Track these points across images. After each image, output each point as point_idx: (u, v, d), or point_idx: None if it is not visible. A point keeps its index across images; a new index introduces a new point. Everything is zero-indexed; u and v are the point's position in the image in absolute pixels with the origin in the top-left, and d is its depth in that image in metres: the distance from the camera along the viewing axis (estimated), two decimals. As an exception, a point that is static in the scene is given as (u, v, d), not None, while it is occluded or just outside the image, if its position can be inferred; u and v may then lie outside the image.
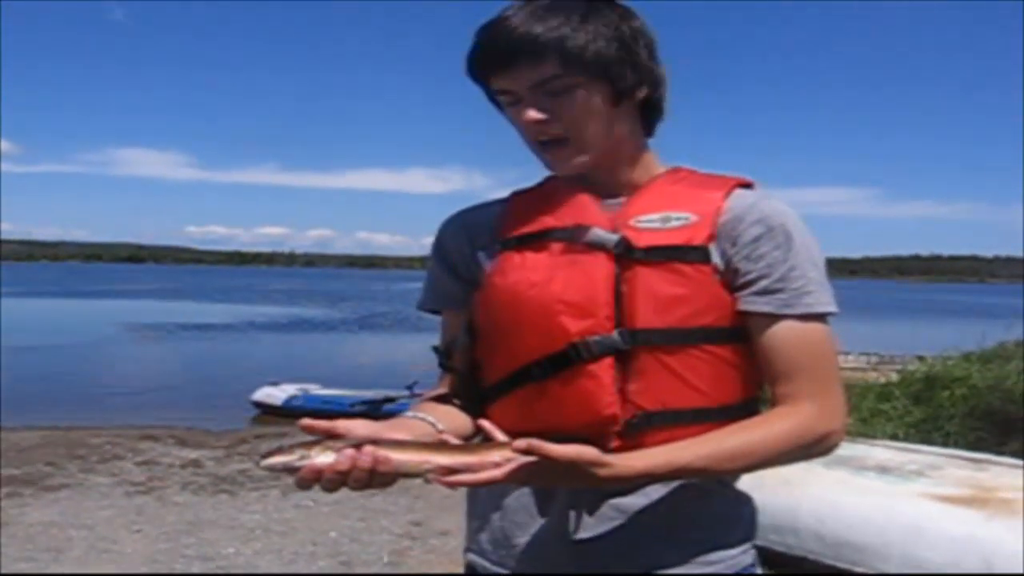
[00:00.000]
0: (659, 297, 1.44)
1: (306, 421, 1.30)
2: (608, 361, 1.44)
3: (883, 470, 4.93)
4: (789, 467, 1.58)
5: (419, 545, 6.42)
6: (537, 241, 1.53)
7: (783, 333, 1.45)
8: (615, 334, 1.44)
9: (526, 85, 1.47)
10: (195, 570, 5.79)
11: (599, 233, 1.49)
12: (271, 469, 1.29)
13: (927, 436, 7.27)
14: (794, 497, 4.77)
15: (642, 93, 1.53)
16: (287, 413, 13.36)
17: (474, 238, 1.62)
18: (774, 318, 1.45)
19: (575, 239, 1.50)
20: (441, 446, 1.35)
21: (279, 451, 1.30)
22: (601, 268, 1.47)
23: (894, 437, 7.03)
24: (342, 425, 1.32)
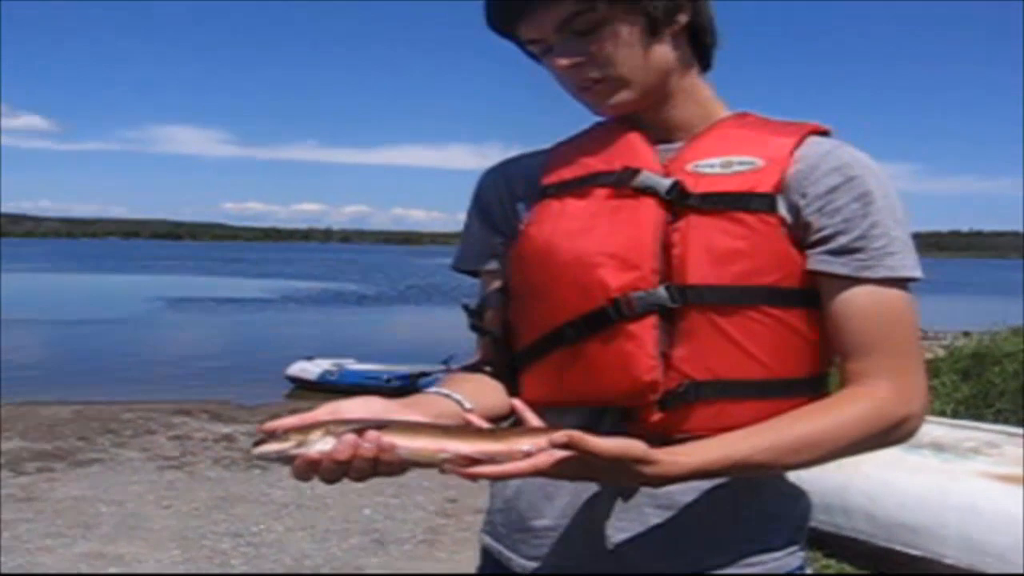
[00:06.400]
0: (716, 250, 1.25)
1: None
2: (651, 320, 1.25)
3: (938, 448, 4.73)
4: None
5: (454, 523, 6.31)
6: (579, 187, 1.35)
7: (860, 299, 1.26)
8: (661, 289, 1.25)
9: (551, 29, 1.30)
10: (224, 546, 5.69)
11: (650, 177, 1.30)
12: (264, 458, 1.10)
13: (977, 413, 7.05)
14: (844, 475, 4.58)
15: (684, 17, 1.33)
16: (322, 388, 13.36)
17: (514, 188, 1.45)
18: (850, 281, 1.26)
19: (622, 183, 1.31)
20: (462, 431, 1.15)
21: (273, 438, 1.10)
22: (649, 215, 1.28)
23: (942, 414, 6.80)
24: (342, 406, 1.15)
